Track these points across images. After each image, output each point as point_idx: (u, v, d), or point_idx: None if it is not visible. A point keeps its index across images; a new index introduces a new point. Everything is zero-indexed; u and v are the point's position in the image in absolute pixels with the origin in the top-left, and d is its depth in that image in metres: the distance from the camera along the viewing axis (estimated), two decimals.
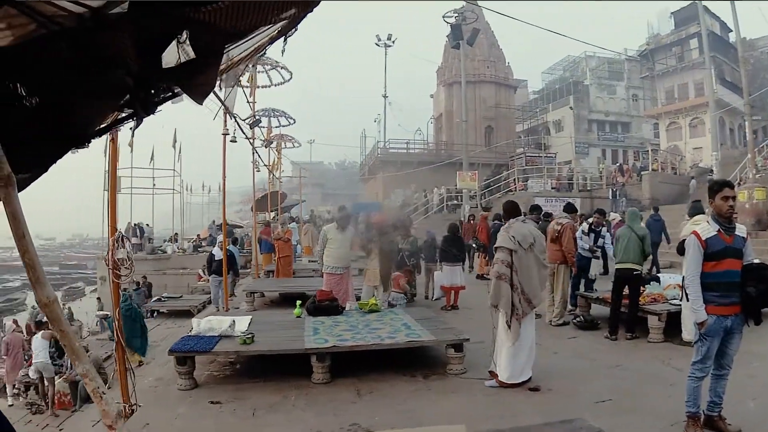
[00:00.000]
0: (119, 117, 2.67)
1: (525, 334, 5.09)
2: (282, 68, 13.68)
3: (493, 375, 5.21)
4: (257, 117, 12.15)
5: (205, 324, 6.08)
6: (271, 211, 27.16)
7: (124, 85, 2.39)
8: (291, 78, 14.05)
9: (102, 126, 2.65)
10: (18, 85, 2.05)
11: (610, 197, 21.18)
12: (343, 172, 76.11)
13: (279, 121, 20.23)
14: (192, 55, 2.44)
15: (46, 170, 2.60)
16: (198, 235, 25.48)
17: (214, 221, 26.57)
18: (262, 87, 14.55)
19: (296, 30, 2.41)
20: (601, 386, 4.98)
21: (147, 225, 21.63)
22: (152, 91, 2.59)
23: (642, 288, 7.09)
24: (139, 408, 4.87)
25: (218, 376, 5.85)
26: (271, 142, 17.62)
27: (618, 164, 28.08)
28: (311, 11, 2.18)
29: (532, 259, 5.08)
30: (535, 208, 8.52)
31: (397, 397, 4.93)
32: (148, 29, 2.15)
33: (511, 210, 5.42)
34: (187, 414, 4.72)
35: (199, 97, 2.49)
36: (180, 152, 22.46)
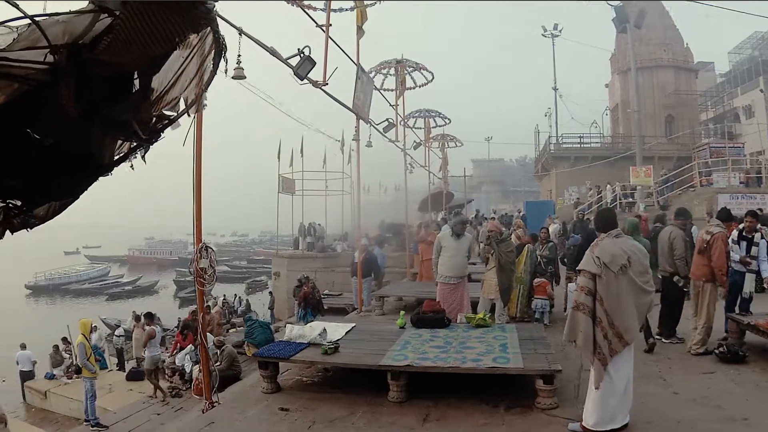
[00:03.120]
0: (132, 146, 2.94)
1: (618, 374, 4.21)
2: (423, 69, 13.67)
3: None
4: (390, 121, 12.26)
5: (297, 330, 6.29)
6: (438, 212, 27.28)
7: (118, 120, 2.61)
8: (433, 78, 13.97)
9: (120, 156, 2.94)
10: (29, 131, 2.38)
11: None
12: (522, 168, 73.66)
13: (435, 122, 20.31)
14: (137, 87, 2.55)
15: (76, 198, 2.93)
16: (366, 234, 26.74)
17: (383, 220, 27.70)
18: (409, 89, 14.75)
19: (226, 48, 2.29)
20: None
21: (319, 225, 23.45)
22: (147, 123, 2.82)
23: None
24: (218, 405, 5.27)
25: (305, 382, 5.99)
26: (420, 143, 17.72)
27: None
28: (211, 25, 2.03)
29: (625, 284, 4.15)
30: (682, 213, 7.03)
31: (461, 430, 4.50)
32: (99, 74, 2.30)
33: (604, 222, 4.48)
34: (252, 417, 4.92)
35: (142, 131, 2.58)
36: (350, 156, 23.86)
